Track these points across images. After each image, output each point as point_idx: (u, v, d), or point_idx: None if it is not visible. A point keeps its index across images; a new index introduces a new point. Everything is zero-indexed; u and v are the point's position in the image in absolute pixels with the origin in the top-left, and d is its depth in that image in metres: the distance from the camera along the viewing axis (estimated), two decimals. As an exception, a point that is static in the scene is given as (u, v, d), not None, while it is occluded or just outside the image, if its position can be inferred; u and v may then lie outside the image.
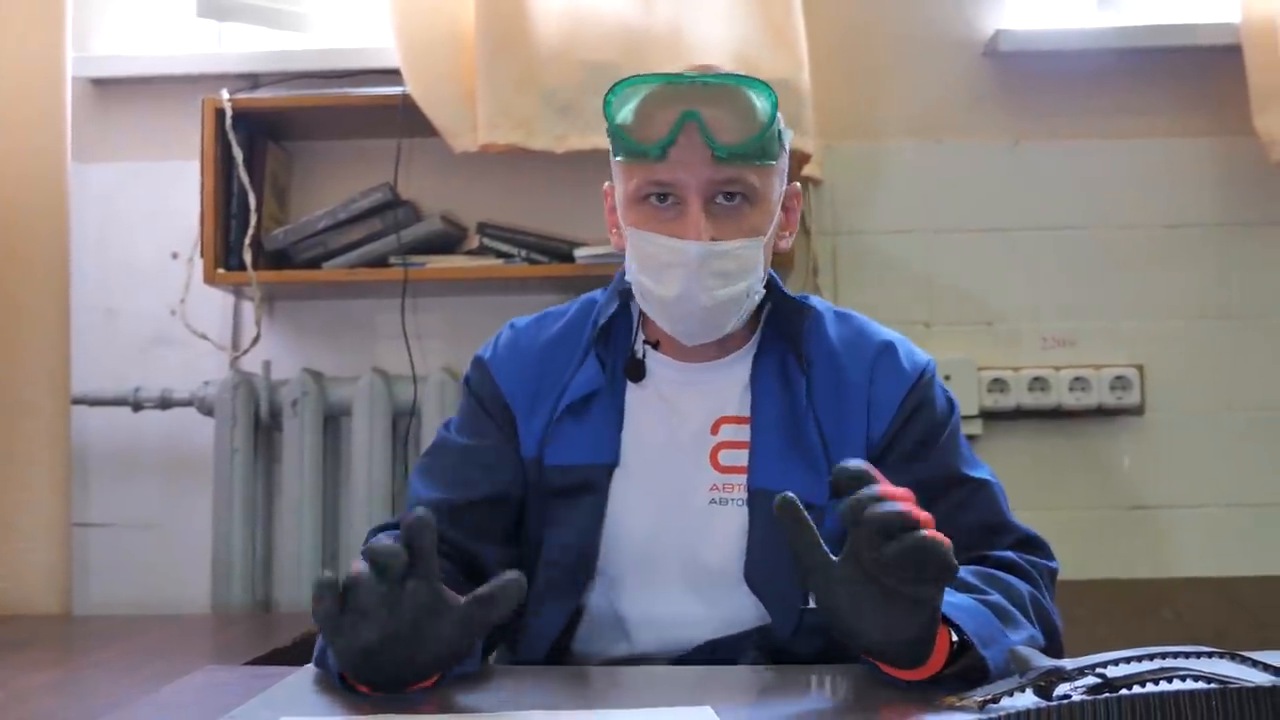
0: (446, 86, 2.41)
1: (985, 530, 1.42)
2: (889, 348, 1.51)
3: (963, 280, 2.60)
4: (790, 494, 1.11)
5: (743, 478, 1.45)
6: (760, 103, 1.38)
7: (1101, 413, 2.57)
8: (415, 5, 2.43)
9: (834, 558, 1.10)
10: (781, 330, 1.50)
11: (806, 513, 1.11)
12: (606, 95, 1.39)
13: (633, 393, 1.50)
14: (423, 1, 2.43)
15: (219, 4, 2.56)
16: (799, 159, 2.47)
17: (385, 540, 1.10)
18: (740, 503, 1.44)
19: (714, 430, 1.48)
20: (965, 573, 1.29)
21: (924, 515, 1.06)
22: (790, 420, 1.46)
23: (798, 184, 1.52)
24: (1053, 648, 1.32)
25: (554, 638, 1.45)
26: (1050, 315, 2.60)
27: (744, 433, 1.47)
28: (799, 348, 1.49)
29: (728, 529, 1.44)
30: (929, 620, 1.10)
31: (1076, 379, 2.55)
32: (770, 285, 1.48)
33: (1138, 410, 2.57)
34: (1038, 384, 2.55)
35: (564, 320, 1.57)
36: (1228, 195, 2.61)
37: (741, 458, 1.46)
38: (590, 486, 1.46)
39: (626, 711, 1.12)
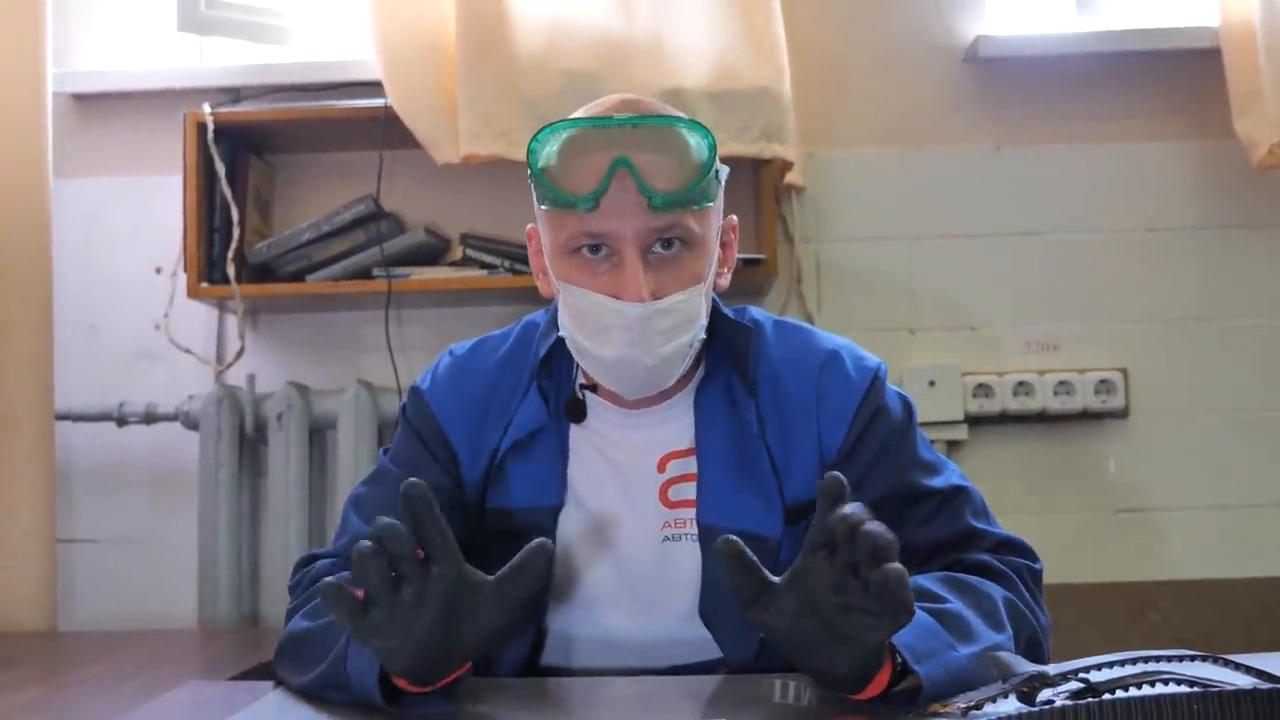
0: (428, 98, 2.41)
1: (956, 543, 1.37)
2: (834, 357, 1.44)
3: (946, 286, 2.61)
4: (733, 537, 1.08)
5: (693, 512, 1.39)
6: (696, 143, 1.30)
7: (1086, 416, 2.57)
8: (396, 17, 2.43)
9: (774, 581, 1.08)
10: (726, 354, 1.43)
11: (749, 552, 1.08)
12: (530, 143, 1.31)
13: (575, 430, 1.44)
14: (403, 13, 2.43)
15: (200, 18, 2.56)
16: (781, 167, 2.47)
17: (385, 520, 1.09)
18: (693, 538, 1.39)
19: (661, 468, 1.42)
20: (926, 579, 1.26)
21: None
22: (739, 449, 1.40)
23: (734, 217, 1.44)
24: (1036, 650, 1.30)
25: (521, 660, 1.42)
26: (1034, 320, 2.60)
27: (692, 465, 1.41)
28: (745, 371, 1.42)
29: (682, 566, 1.39)
30: (872, 658, 1.09)
31: (1061, 383, 2.55)
32: (713, 311, 1.41)
33: (1122, 413, 2.58)
34: (1022, 388, 2.55)
35: (505, 348, 1.50)
36: (1209, 198, 2.62)
37: (690, 491, 1.40)
38: (537, 530, 1.37)
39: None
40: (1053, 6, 2.70)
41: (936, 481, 1.41)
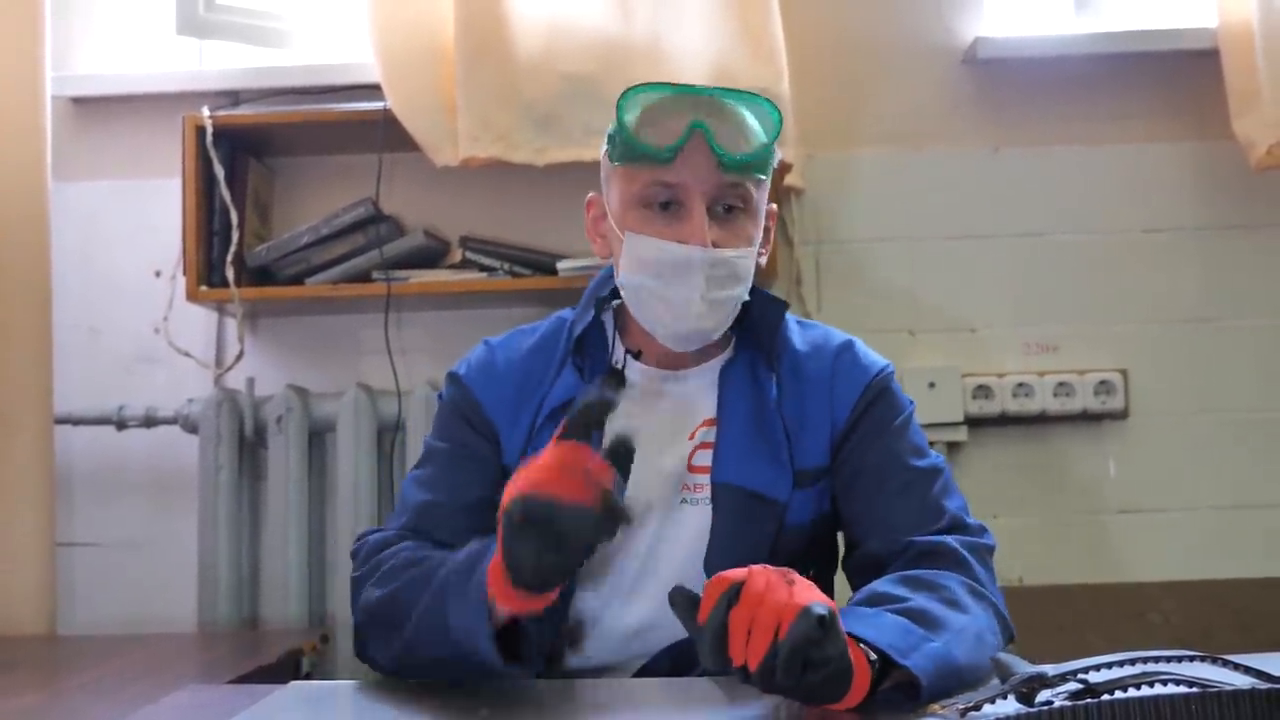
0: (427, 100, 2.41)
1: (919, 513, 1.47)
2: (849, 346, 1.60)
3: (945, 288, 2.61)
4: (679, 585, 1.17)
5: (708, 477, 1.50)
6: (764, 119, 1.46)
7: (1086, 417, 2.57)
8: (394, 20, 2.43)
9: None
10: (755, 332, 1.56)
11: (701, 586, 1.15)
12: (620, 99, 1.45)
13: None
14: (402, 16, 2.43)
15: (199, 21, 2.56)
16: (780, 168, 2.47)
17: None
18: (706, 501, 1.49)
19: (691, 436, 1.52)
20: (885, 583, 1.33)
21: (770, 606, 1.10)
22: (756, 416, 1.52)
23: (775, 205, 1.57)
24: (1003, 624, 1.37)
25: (547, 649, 1.47)
26: (1033, 321, 2.60)
27: (713, 434, 1.52)
28: (771, 345, 1.55)
29: (694, 526, 1.48)
30: (836, 667, 1.12)
31: (1060, 384, 2.55)
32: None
33: (1122, 414, 2.58)
34: (1022, 390, 2.55)
35: (537, 335, 1.61)
36: (1208, 199, 2.62)
37: (709, 457, 1.51)
38: None
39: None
40: (1051, 8, 2.71)
41: (919, 462, 1.53)
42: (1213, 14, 2.51)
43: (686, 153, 1.41)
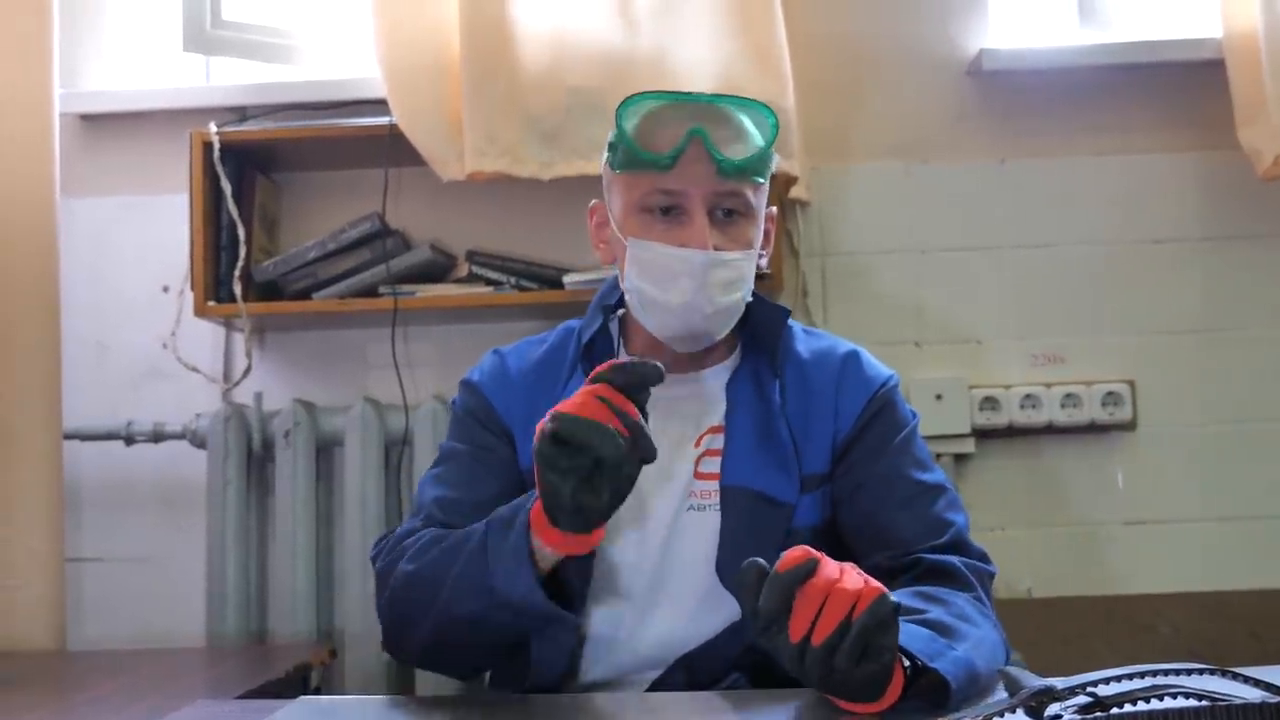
0: (433, 115, 2.42)
1: (923, 526, 1.49)
2: (853, 356, 1.63)
3: (952, 299, 2.61)
4: (759, 560, 1.16)
5: (717, 483, 1.52)
6: (761, 124, 1.50)
7: (1093, 429, 2.57)
8: (400, 35, 2.43)
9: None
10: (759, 339, 1.59)
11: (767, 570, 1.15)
12: (619, 108, 1.49)
13: None
14: (408, 31, 2.44)
15: (206, 38, 2.57)
16: (785, 181, 2.48)
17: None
18: (715, 509, 1.50)
19: (697, 444, 1.55)
20: (901, 595, 1.34)
21: (849, 590, 1.12)
22: (763, 422, 1.54)
23: (774, 209, 1.61)
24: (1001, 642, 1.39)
25: (565, 663, 1.47)
26: (1040, 332, 2.60)
27: (721, 440, 1.54)
28: (774, 354, 1.58)
29: (701, 533, 1.50)
30: (884, 674, 1.14)
31: (1068, 396, 2.55)
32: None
33: (1130, 425, 2.57)
34: (1029, 401, 2.55)
35: (547, 345, 1.66)
36: (1214, 209, 2.61)
37: (717, 465, 1.53)
38: None
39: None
40: (1056, 19, 2.71)
41: (923, 476, 1.56)
42: (1217, 24, 2.51)
43: (686, 159, 1.45)
